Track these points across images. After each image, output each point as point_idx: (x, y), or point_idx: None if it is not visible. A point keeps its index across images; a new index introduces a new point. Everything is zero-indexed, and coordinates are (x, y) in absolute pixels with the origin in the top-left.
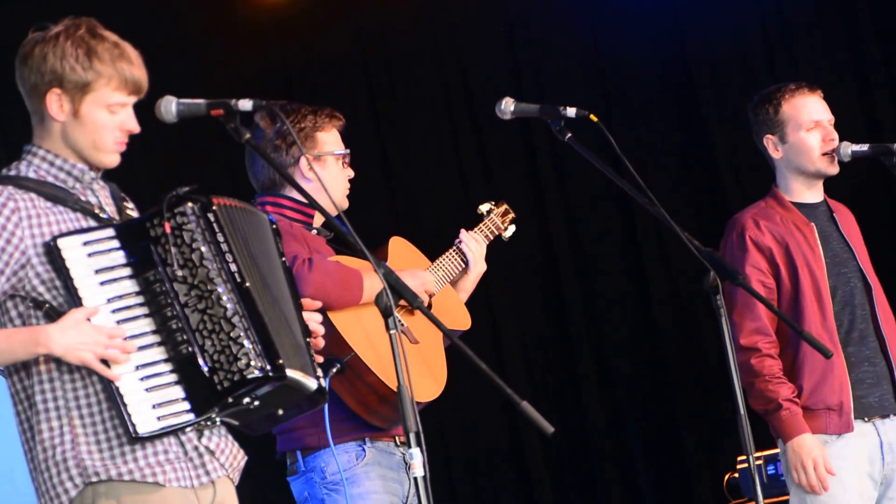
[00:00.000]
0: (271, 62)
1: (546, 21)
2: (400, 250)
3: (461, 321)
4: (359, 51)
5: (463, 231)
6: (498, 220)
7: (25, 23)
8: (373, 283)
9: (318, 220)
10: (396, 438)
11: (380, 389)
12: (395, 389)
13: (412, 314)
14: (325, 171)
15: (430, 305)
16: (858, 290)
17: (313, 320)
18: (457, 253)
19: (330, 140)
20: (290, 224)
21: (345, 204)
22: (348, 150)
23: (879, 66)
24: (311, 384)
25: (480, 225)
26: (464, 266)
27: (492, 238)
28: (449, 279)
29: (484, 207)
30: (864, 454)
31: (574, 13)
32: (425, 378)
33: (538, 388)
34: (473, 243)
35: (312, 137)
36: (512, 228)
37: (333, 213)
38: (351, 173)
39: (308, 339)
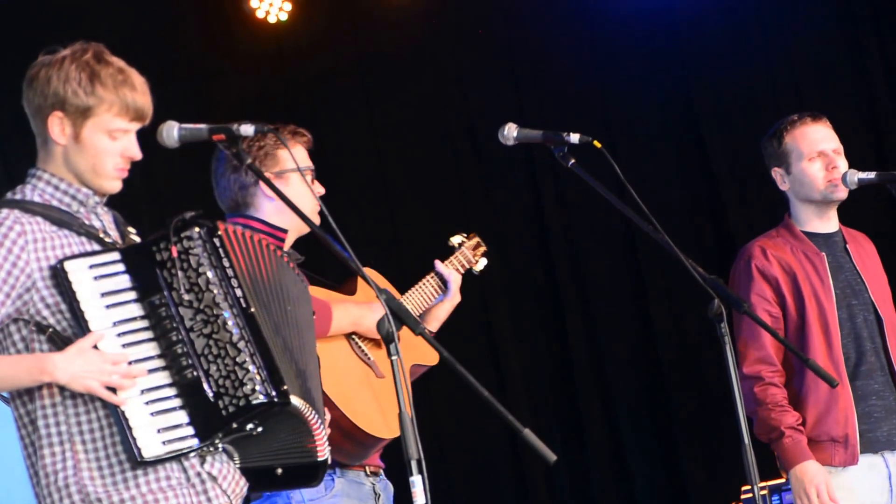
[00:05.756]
0: (272, 88)
1: (549, 50)
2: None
3: (429, 356)
4: (359, 74)
5: (438, 262)
6: (469, 252)
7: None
8: (342, 316)
9: (287, 243)
10: (367, 468)
11: (343, 424)
12: (359, 424)
13: (379, 347)
14: (289, 189)
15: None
16: (869, 322)
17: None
18: (432, 283)
19: (293, 157)
20: None
21: (315, 221)
22: (312, 166)
23: (886, 96)
24: (319, 450)
25: (451, 258)
26: (438, 295)
27: (463, 271)
28: (419, 312)
29: (455, 240)
30: (873, 486)
31: (578, 45)
32: (390, 414)
33: (540, 416)
34: (452, 273)
35: (273, 155)
36: (483, 262)
37: (305, 229)
38: (321, 190)
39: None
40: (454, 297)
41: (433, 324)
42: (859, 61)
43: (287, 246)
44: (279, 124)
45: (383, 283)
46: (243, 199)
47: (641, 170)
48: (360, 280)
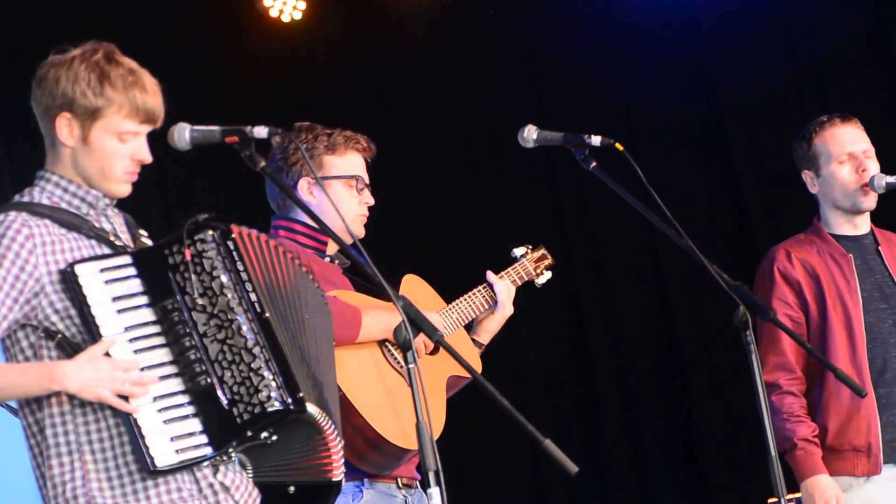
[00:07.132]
0: (285, 88)
1: (569, 50)
2: (412, 289)
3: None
4: (375, 73)
5: (490, 273)
6: (531, 265)
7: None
8: (372, 322)
9: (333, 246)
10: (398, 480)
11: (367, 433)
12: (384, 434)
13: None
14: (331, 195)
15: (435, 350)
16: None
17: None
18: (482, 293)
19: (339, 164)
20: (301, 250)
21: (358, 231)
22: (357, 175)
23: None
24: (335, 467)
25: (509, 269)
26: (488, 307)
27: (520, 283)
28: (464, 321)
29: (518, 251)
30: (894, 499)
31: (599, 44)
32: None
33: (560, 426)
34: (502, 285)
35: (319, 160)
36: (547, 275)
37: (346, 240)
38: (370, 200)
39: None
40: (505, 309)
41: (483, 336)
42: (886, 59)
43: (331, 250)
44: (338, 129)
45: (428, 291)
46: (283, 201)
47: (664, 172)
48: (401, 287)
